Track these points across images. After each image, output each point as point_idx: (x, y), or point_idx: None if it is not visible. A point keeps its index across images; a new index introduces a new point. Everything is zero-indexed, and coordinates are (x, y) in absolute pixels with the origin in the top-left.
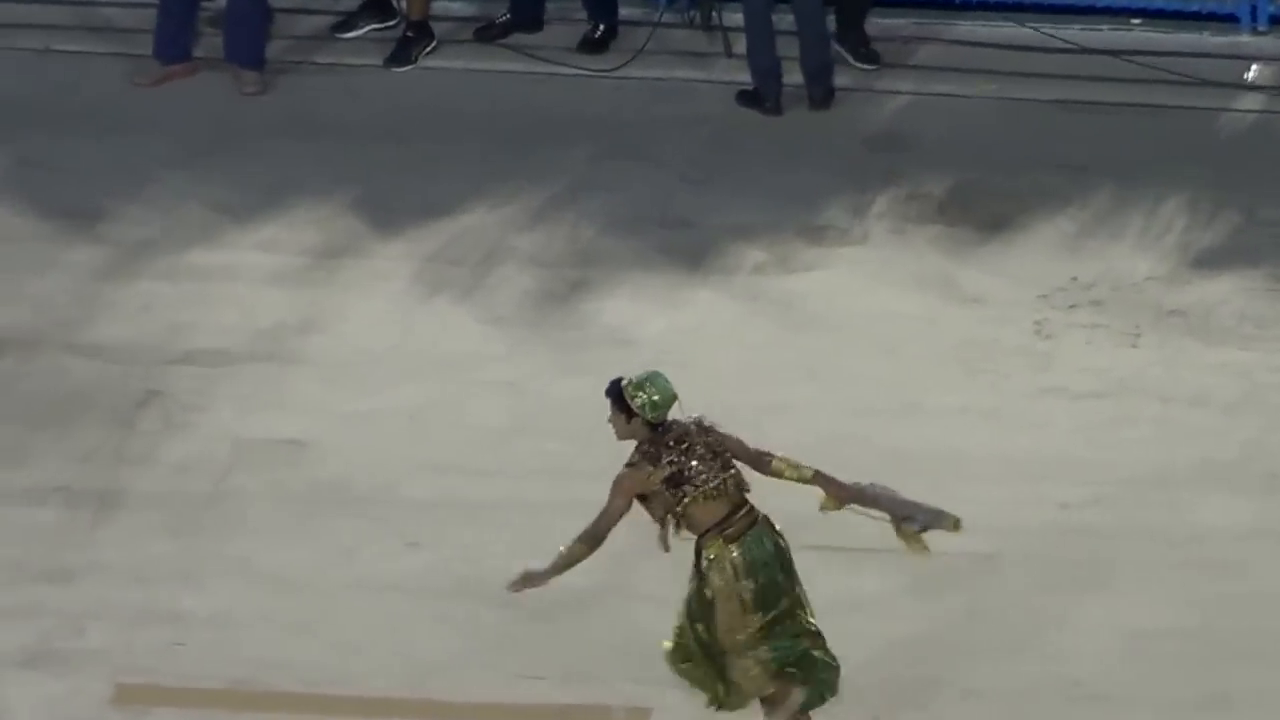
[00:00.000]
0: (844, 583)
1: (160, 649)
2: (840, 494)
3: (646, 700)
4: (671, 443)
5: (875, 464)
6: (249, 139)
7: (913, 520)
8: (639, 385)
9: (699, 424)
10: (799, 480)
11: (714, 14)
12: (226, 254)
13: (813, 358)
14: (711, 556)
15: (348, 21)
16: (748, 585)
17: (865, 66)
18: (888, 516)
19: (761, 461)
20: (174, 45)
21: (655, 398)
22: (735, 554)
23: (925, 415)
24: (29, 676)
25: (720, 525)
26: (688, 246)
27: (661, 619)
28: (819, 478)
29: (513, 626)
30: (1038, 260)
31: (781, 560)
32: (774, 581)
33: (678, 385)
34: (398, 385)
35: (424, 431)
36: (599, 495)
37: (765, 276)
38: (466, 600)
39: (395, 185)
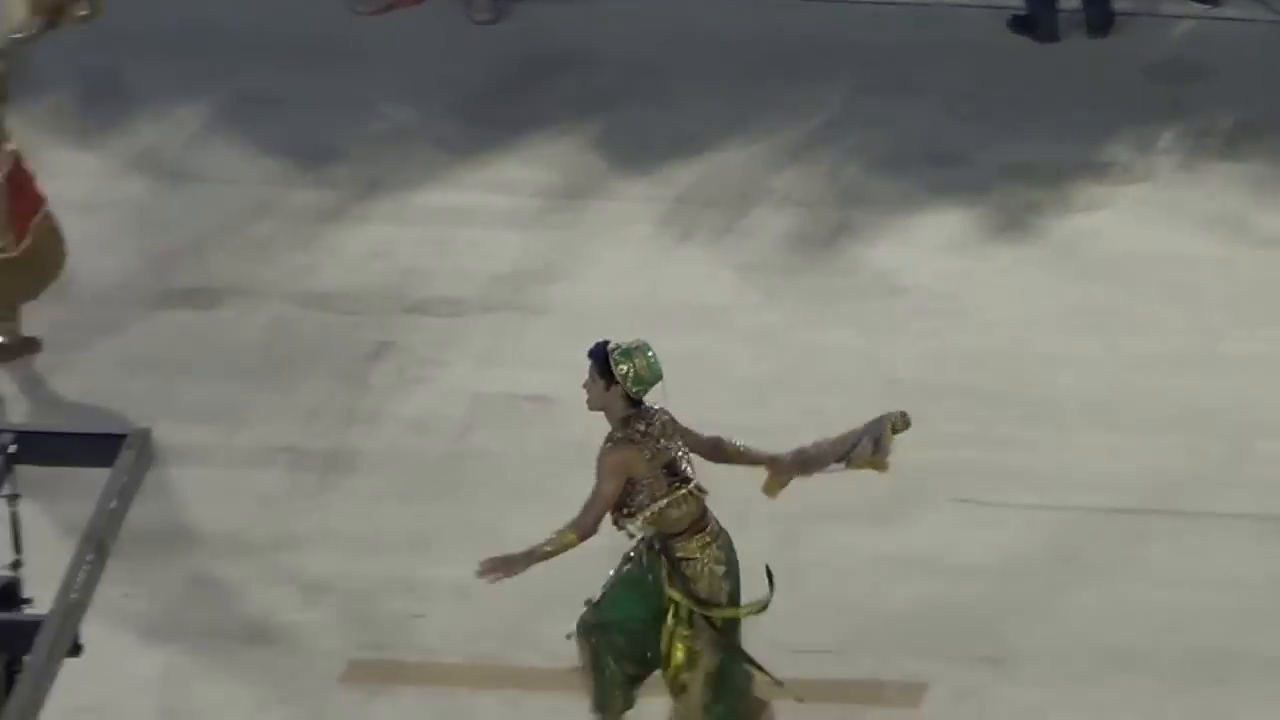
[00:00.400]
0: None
1: (396, 622)
2: (788, 469)
3: (922, 675)
4: (652, 428)
5: (1169, 418)
6: (480, 71)
7: (860, 447)
8: (626, 353)
9: (672, 417)
10: (751, 464)
11: None
12: (461, 195)
13: (1097, 304)
14: (691, 556)
15: None
16: (726, 587)
17: None
18: (839, 464)
19: (718, 448)
20: None
21: (642, 371)
22: (718, 553)
23: (1221, 365)
24: (253, 653)
25: (697, 524)
26: (958, 185)
27: (940, 588)
28: (769, 459)
29: (787, 598)
30: None
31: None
32: (738, 588)
33: (950, 334)
34: (647, 336)
35: (677, 386)
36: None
37: (1043, 217)
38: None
39: (642, 120)
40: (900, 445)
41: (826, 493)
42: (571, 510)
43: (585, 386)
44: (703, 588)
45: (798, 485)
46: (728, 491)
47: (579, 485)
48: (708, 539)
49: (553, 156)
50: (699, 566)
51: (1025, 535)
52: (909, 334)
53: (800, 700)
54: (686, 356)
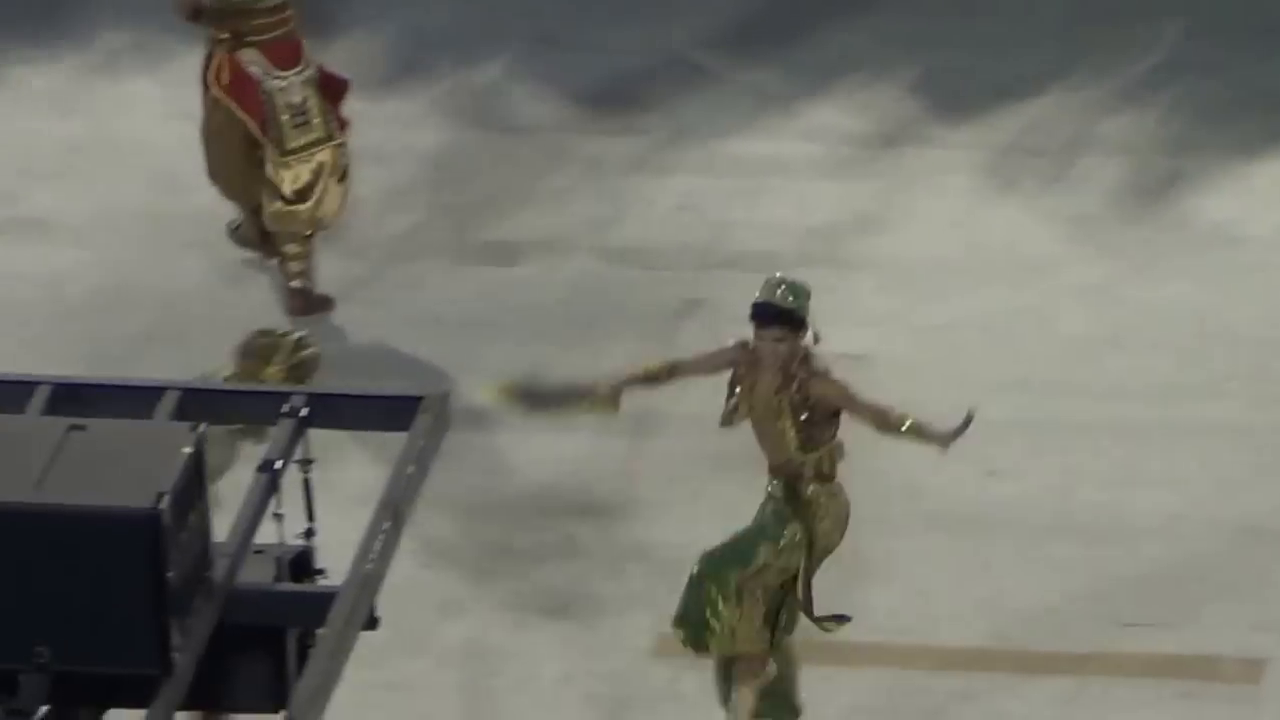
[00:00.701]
0: None
1: None
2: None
3: (1262, 650)
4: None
5: None
6: (790, 13)
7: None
8: (801, 291)
9: None
10: None
11: None
12: (773, 143)
13: None
14: (820, 501)
15: None
16: (836, 540)
17: None
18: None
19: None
20: None
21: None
22: (841, 508)
23: None
24: (559, 626)
25: (831, 473)
26: None
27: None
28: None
29: (1115, 566)
30: None
31: None
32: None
33: None
34: (971, 293)
35: (1003, 345)
36: (1209, 415)
37: None
38: (1058, 538)
39: (962, 64)
40: (1239, 405)
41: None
42: (892, 476)
43: (776, 345)
44: (823, 530)
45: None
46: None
47: (896, 446)
48: (834, 491)
49: (867, 101)
50: (825, 509)
51: None
52: (1249, 289)
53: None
54: (1012, 313)
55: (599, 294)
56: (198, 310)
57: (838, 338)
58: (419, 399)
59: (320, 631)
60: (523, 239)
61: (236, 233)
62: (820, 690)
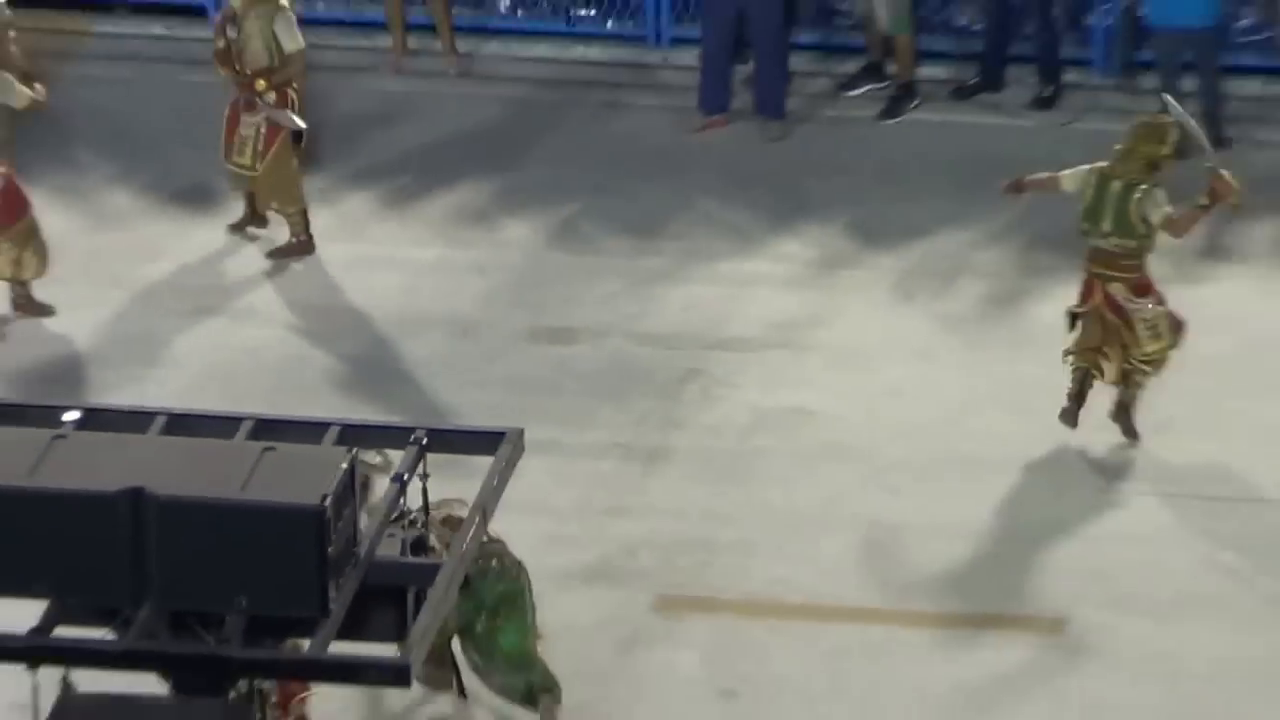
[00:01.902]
0: None
1: (693, 569)
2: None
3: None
4: None
5: None
6: (772, 176)
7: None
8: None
9: None
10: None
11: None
12: (752, 264)
13: None
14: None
15: (850, 82)
16: None
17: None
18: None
19: None
20: (715, 100)
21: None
22: None
23: None
24: (590, 590)
25: None
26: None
27: None
28: None
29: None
30: None
31: None
32: None
33: None
34: (886, 368)
35: (907, 403)
36: (1034, 453)
37: None
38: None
39: (883, 212)
40: (1047, 439)
41: None
42: (829, 489)
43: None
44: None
45: None
46: None
47: (834, 475)
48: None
49: (817, 237)
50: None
51: None
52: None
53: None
54: (913, 381)
55: (629, 364)
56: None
57: (795, 398)
58: (503, 433)
59: (430, 591)
60: (577, 326)
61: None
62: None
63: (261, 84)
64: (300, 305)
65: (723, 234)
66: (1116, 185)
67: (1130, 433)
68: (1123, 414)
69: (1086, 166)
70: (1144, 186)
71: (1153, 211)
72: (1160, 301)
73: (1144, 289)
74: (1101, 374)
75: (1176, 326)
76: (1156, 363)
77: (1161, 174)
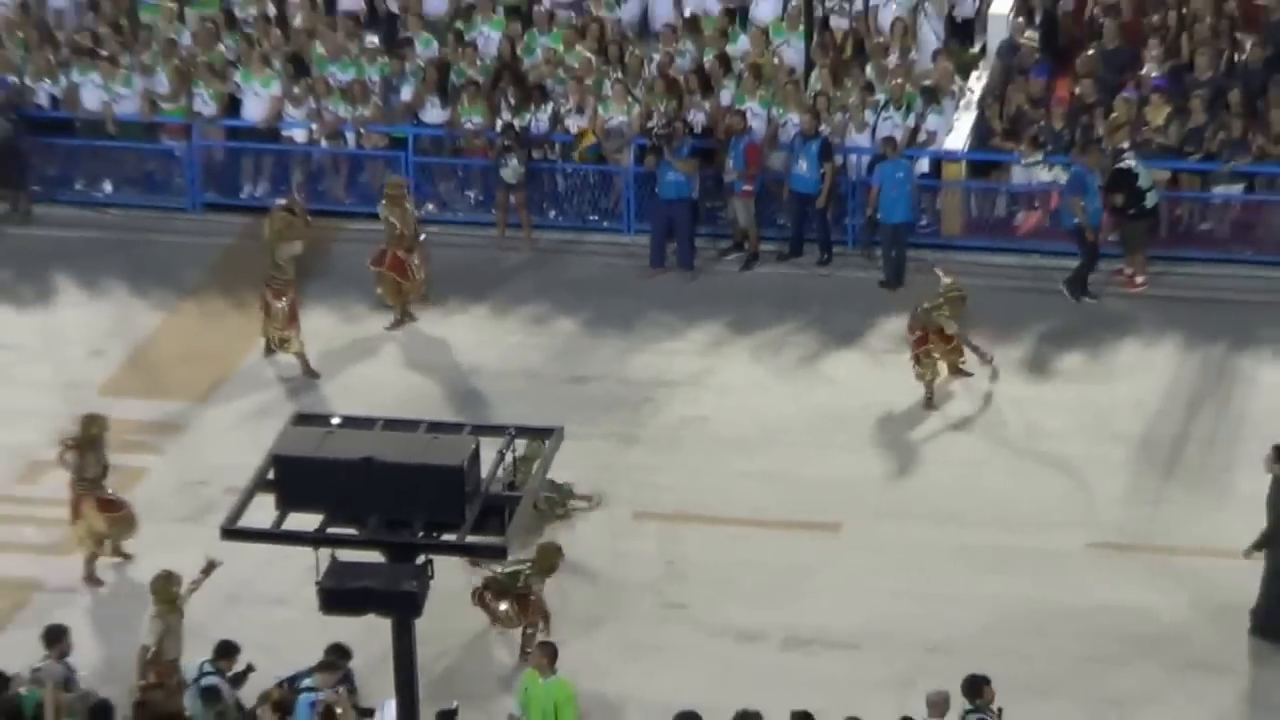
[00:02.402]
0: None
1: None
2: None
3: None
4: None
5: None
6: (687, 298)
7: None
8: None
9: None
10: None
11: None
12: (674, 343)
13: None
14: None
15: (727, 251)
16: None
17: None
18: None
19: None
20: (657, 259)
21: None
22: None
23: None
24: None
25: None
26: None
27: None
28: None
29: None
30: None
31: None
32: None
33: None
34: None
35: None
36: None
37: None
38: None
39: (747, 317)
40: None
41: None
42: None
43: None
44: None
45: None
46: None
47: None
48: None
49: (710, 329)
50: None
51: None
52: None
53: None
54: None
55: (615, 395)
56: None
57: (697, 411)
58: (554, 429)
59: (517, 509)
60: (588, 374)
61: None
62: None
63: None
64: (426, 362)
65: (662, 325)
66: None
67: None
68: None
69: None
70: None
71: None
72: None
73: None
74: None
75: None
76: None
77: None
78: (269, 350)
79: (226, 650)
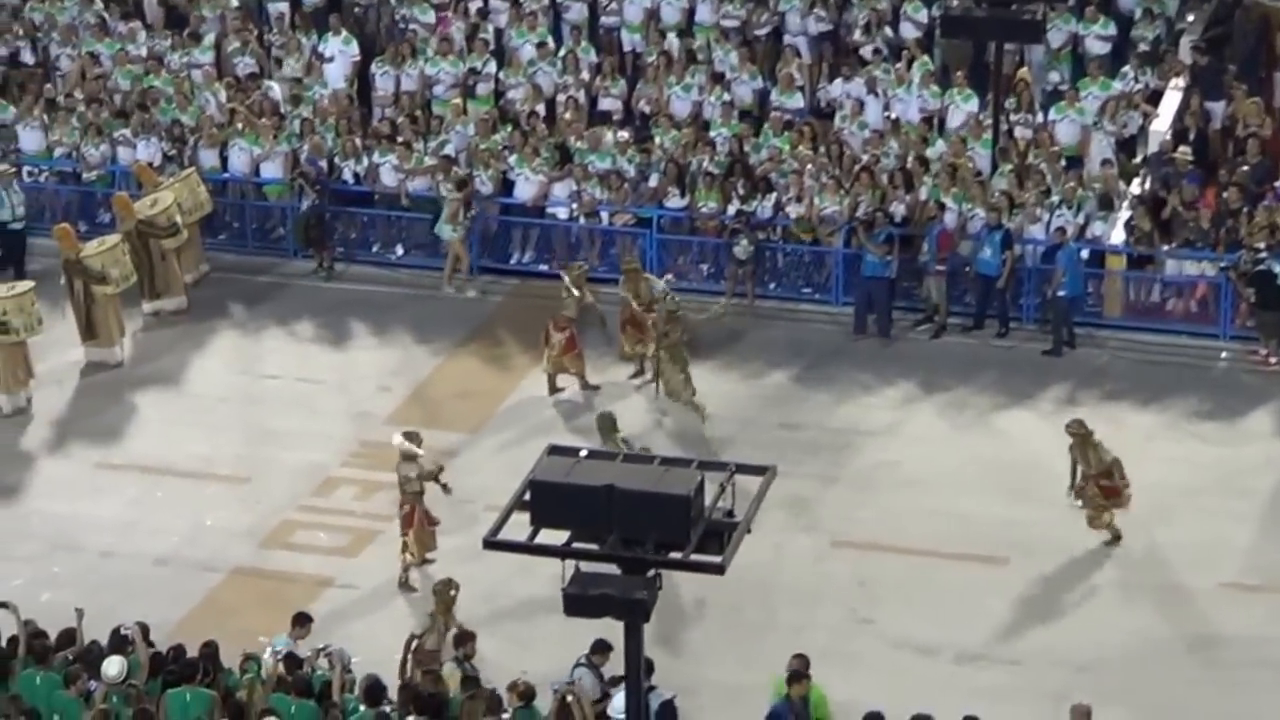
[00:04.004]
0: None
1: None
2: None
3: None
4: None
5: None
6: (888, 359)
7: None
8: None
9: None
10: None
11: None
12: (876, 397)
13: None
14: None
15: (920, 322)
16: None
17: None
18: None
19: None
20: (859, 327)
21: None
22: None
23: None
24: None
25: None
26: None
27: None
28: None
29: None
30: None
31: None
32: None
33: None
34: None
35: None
36: None
37: None
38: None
39: (932, 375)
40: None
41: None
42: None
43: None
44: None
45: None
46: None
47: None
48: None
49: (906, 388)
50: None
51: None
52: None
53: None
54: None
55: (822, 442)
56: None
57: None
58: (767, 467)
59: (734, 532)
60: (795, 423)
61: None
62: None
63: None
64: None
65: (861, 383)
66: None
67: None
68: None
69: None
70: None
71: None
72: None
73: None
74: None
75: None
76: None
77: None
78: (552, 389)
79: (603, 647)
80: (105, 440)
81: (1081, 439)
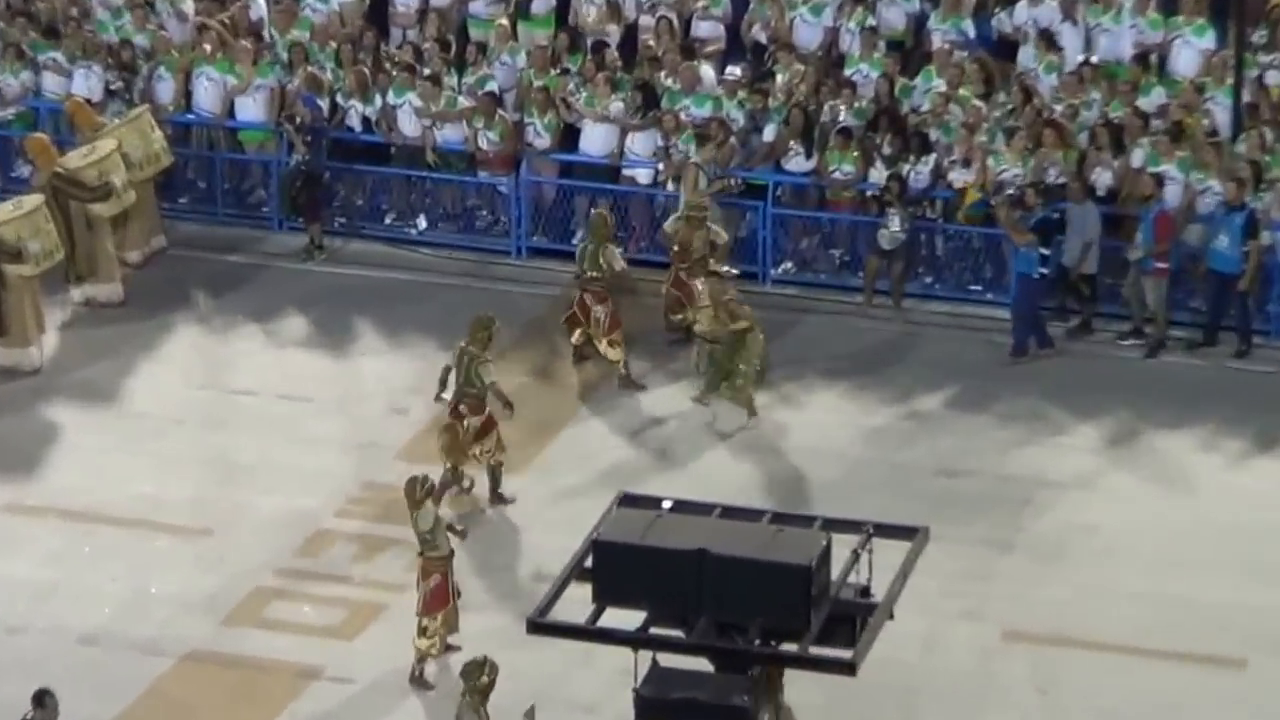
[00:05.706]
0: None
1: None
2: None
3: None
4: None
5: None
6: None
7: None
8: None
9: None
10: None
11: None
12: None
13: None
14: None
15: (1123, 337)
16: None
17: None
18: None
19: None
20: (1020, 346)
21: None
22: None
23: None
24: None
25: None
26: None
27: None
28: None
29: None
30: None
31: None
32: None
33: None
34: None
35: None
36: None
37: None
38: None
39: (1134, 418)
40: None
41: None
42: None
43: None
44: None
45: None
46: None
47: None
48: None
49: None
50: None
51: None
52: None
53: None
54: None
55: (988, 493)
56: None
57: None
58: (918, 528)
59: (870, 619)
60: (958, 469)
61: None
62: None
63: None
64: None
65: (1047, 417)
66: None
67: None
68: None
69: None
70: None
71: None
72: None
73: None
74: None
75: None
76: None
77: None
78: (578, 358)
79: None
80: (16, 474)
81: None
